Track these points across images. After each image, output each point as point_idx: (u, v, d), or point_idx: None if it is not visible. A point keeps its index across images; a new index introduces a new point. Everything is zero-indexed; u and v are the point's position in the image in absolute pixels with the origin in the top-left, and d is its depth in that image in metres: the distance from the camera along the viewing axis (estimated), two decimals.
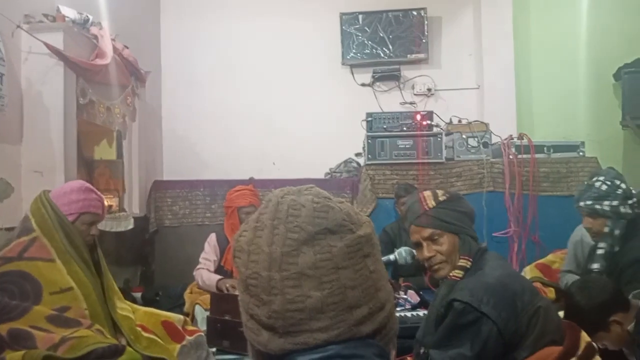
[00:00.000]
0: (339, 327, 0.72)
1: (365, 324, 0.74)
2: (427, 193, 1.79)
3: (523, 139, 4.13)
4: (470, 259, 1.71)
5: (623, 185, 2.43)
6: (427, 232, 1.75)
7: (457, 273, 1.71)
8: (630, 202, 2.41)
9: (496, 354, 1.57)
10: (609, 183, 2.43)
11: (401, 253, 2.02)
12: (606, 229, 2.42)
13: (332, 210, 0.76)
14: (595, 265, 2.44)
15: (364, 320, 0.74)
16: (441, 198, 1.77)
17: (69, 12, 3.36)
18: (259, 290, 0.74)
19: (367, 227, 0.79)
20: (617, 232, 2.41)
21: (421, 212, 1.76)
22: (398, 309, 2.60)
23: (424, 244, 1.76)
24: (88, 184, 2.29)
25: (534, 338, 1.58)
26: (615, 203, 2.40)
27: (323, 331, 0.72)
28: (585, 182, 2.54)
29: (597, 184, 2.45)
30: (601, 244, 2.45)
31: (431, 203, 1.75)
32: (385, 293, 0.78)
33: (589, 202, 2.45)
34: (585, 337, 1.60)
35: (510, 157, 4.07)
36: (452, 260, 1.73)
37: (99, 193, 2.30)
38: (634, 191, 2.46)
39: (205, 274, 3.46)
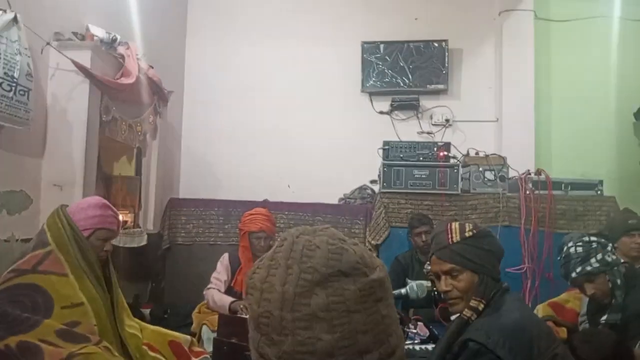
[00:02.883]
0: None
1: None
2: (455, 226, 1.75)
3: (541, 175, 4.11)
4: (484, 301, 1.67)
5: (593, 238, 2.44)
6: (447, 266, 1.72)
7: (468, 313, 1.67)
8: (609, 248, 2.41)
9: None
10: (580, 244, 2.42)
11: (413, 287, 2.00)
12: (610, 284, 2.39)
13: (347, 252, 0.76)
14: (604, 318, 2.40)
15: None
16: (467, 234, 1.72)
17: (98, 31, 3.45)
18: (270, 330, 0.74)
19: (381, 271, 0.79)
20: (619, 280, 2.39)
21: (445, 244, 1.73)
22: (407, 342, 2.57)
23: (443, 277, 1.75)
24: (105, 200, 2.32)
25: None
26: (599, 256, 2.38)
27: None
28: (560, 259, 2.51)
29: (572, 250, 2.43)
30: (614, 299, 2.40)
31: (456, 237, 1.72)
32: (396, 339, 0.78)
33: (578, 270, 2.41)
34: None
35: (527, 192, 4.04)
36: (467, 298, 1.70)
37: (114, 209, 2.32)
38: (602, 239, 2.45)
39: (217, 294, 3.45)
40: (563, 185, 4.11)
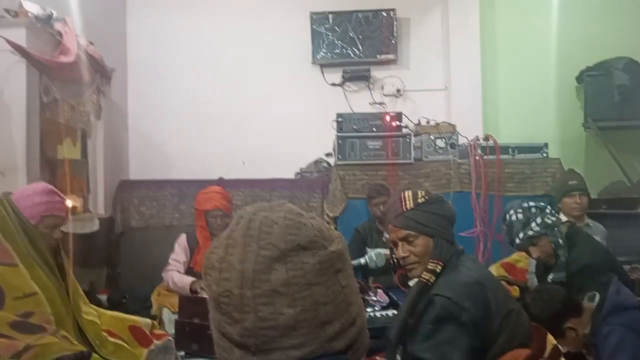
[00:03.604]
0: (311, 344, 0.73)
1: (337, 339, 0.75)
2: (408, 194, 1.82)
3: (489, 140, 4.22)
4: (441, 263, 1.74)
5: (532, 204, 2.55)
6: (403, 233, 1.78)
7: (427, 275, 1.73)
8: (547, 211, 2.53)
9: (475, 348, 1.60)
10: (520, 210, 2.53)
11: (372, 257, 2.04)
12: (552, 244, 2.51)
13: (304, 226, 0.77)
14: (550, 277, 2.52)
15: (336, 337, 0.75)
16: (420, 200, 1.78)
17: (32, 8, 3.26)
18: (231, 309, 0.74)
19: (339, 242, 0.79)
20: (561, 240, 2.51)
21: (399, 212, 1.79)
22: (368, 309, 2.62)
23: (399, 243, 1.80)
24: (51, 187, 2.24)
25: (504, 340, 1.62)
26: (539, 220, 2.50)
27: (296, 348, 0.73)
28: (504, 226, 2.61)
29: (513, 218, 2.54)
30: (558, 259, 2.53)
31: (409, 204, 1.78)
32: (356, 307, 0.79)
33: (521, 235, 2.51)
34: (551, 340, 1.65)
35: (477, 158, 4.15)
36: (424, 262, 1.76)
37: (62, 195, 2.24)
38: (541, 203, 2.58)
39: (177, 275, 3.41)
40: (510, 149, 4.24)
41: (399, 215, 1.79)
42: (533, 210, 2.51)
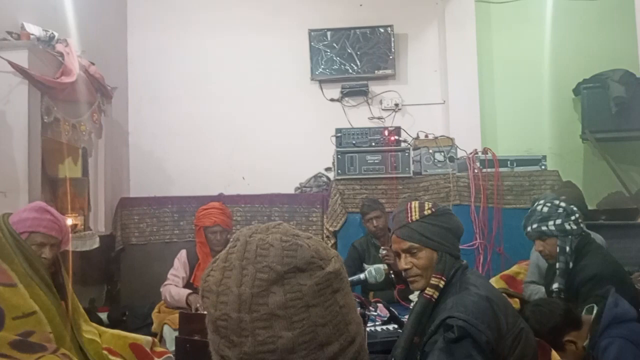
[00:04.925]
0: None
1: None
2: (414, 204, 1.77)
3: (487, 154, 4.25)
4: (444, 278, 1.70)
5: (563, 204, 2.56)
6: (406, 244, 1.74)
7: (430, 291, 1.69)
8: (573, 218, 2.52)
9: None
10: (549, 205, 2.55)
11: (371, 272, 2.03)
12: (558, 248, 2.52)
13: (301, 248, 0.76)
14: (555, 285, 2.53)
15: (336, 357, 0.74)
16: (427, 212, 1.74)
17: (34, 29, 3.31)
18: (229, 332, 0.74)
19: (336, 262, 0.79)
20: (568, 248, 2.52)
21: (404, 223, 1.74)
22: (369, 324, 2.62)
23: (403, 255, 1.76)
24: (45, 205, 2.25)
25: (515, 359, 1.58)
26: (559, 221, 2.51)
27: None
28: (529, 209, 2.65)
29: (539, 207, 2.57)
30: (558, 263, 2.54)
31: (415, 216, 1.73)
32: (355, 326, 0.79)
33: (534, 226, 2.56)
34: (556, 357, 1.64)
35: (475, 171, 4.17)
36: (427, 275, 1.72)
37: (57, 215, 2.24)
38: (574, 208, 2.57)
39: (174, 289, 3.41)
40: (509, 162, 4.26)
41: (403, 226, 1.74)
42: (560, 210, 2.52)
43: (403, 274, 1.79)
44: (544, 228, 2.53)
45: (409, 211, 1.75)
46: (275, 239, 0.77)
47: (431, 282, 1.70)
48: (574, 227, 2.52)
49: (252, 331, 0.72)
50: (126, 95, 5.20)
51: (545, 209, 2.54)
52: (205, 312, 2.46)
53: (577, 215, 2.54)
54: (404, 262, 1.76)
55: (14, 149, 3.08)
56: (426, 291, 1.70)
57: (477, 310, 1.58)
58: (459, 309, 1.58)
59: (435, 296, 1.69)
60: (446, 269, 1.70)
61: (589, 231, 2.64)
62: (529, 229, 2.58)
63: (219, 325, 0.75)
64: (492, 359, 1.54)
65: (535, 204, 2.60)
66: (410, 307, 3.27)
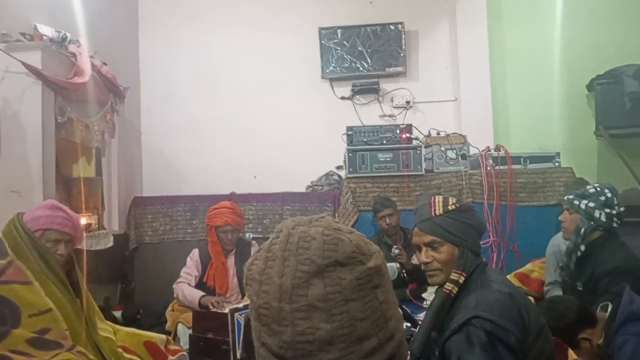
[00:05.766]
0: (348, 358, 0.74)
1: (375, 355, 0.75)
2: (438, 199, 1.76)
3: (500, 151, 4.21)
4: (464, 274, 1.69)
5: (609, 195, 2.55)
6: (428, 238, 1.73)
7: (449, 286, 1.69)
8: (607, 210, 2.50)
9: None
10: (598, 189, 2.58)
11: None
12: (576, 227, 2.55)
13: (342, 242, 0.77)
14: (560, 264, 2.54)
15: (374, 352, 0.75)
16: (450, 207, 1.73)
17: (47, 31, 3.34)
18: (270, 320, 0.76)
19: (377, 257, 0.80)
20: (582, 230, 2.52)
21: (427, 217, 1.74)
22: None
23: (424, 248, 1.76)
24: (57, 203, 2.28)
25: (534, 355, 1.57)
26: (591, 205, 2.53)
27: None
28: (590, 186, 2.69)
29: (589, 186, 2.63)
30: (569, 242, 2.61)
31: (439, 210, 1.73)
32: (394, 322, 0.79)
33: (571, 196, 2.61)
34: (572, 355, 1.63)
35: (488, 168, 4.14)
36: (447, 270, 1.72)
37: (69, 212, 2.27)
38: (621, 208, 2.55)
39: (187, 288, 3.43)
40: (522, 159, 4.22)
41: (426, 220, 1.74)
42: (601, 197, 2.54)
43: (422, 267, 1.79)
44: (576, 202, 2.57)
45: (432, 205, 1.75)
46: (317, 232, 0.78)
47: (451, 277, 1.69)
48: (603, 219, 2.51)
49: (291, 321, 0.74)
50: (138, 95, 5.24)
51: (592, 190, 2.57)
52: (219, 311, 2.47)
53: (613, 211, 2.53)
54: (424, 256, 1.76)
55: (28, 149, 3.11)
56: (445, 286, 1.70)
57: (502, 308, 1.56)
58: (483, 307, 1.57)
59: (454, 291, 1.68)
60: (467, 265, 1.70)
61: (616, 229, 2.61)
62: (565, 197, 2.65)
63: (261, 313, 0.77)
64: (519, 356, 1.53)
65: (601, 186, 2.62)
66: (423, 306, 3.27)
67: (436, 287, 1.80)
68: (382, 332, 0.76)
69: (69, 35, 3.49)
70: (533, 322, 1.60)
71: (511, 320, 1.55)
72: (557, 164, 4.24)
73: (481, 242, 4.10)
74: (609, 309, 2.09)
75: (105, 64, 3.93)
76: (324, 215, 0.83)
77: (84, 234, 2.43)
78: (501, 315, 1.54)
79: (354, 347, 0.74)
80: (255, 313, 0.78)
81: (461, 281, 1.68)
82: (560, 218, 2.69)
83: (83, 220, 2.53)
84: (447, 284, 1.69)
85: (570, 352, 1.66)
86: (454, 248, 1.72)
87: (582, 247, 2.54)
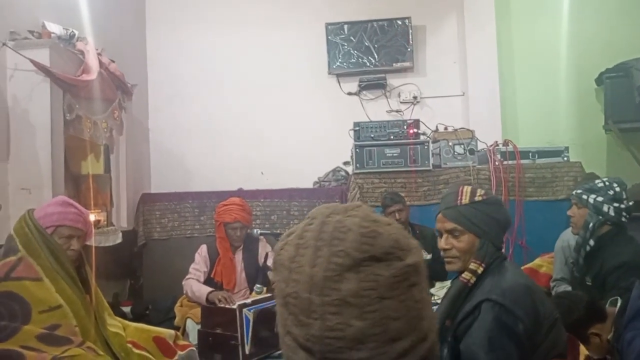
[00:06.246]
0: (379, 359, 0.70)
1: (406, 357, 0.71)
2: (467, 188, 1.75)
3: (508, 145, 4.19)
4: (483, 265, 1.69)
5: (618, 189, 2.52)
6: (450, 225, 1.73)
7: (467, 276, 1.69)
8: (615, 204, 2.48)
9: (523, 355, 1.54)
10: (607, 183, 2.55)
11: None
12: (584, 222, 2.53)
13: (380, 236, 0.72)
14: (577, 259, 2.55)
15: (405, 354, 0.71)
16: (477, 198, 1.72)
17: (55, 28, 3.36)
18: (298, 311, 0.72)
19: (416, 254, 0.75)
20: (591, 225, 2.50)
21: (453, 205, 1.74)
22: None
23: (445, 235, 1.76)
24: (68, 199, 2.30)
25: (546, 348, 1.57)
26: (600, 199, 2.50)
27: None
28: (599, 180, 2.67)
29: (597, 180, 2.60)
30: (577, 237, 2.59)
31: (465, 199, 1.72)
32: (428, 322, 0.75)
33: (579, 191, 2.59)
34: (584, 351, 1.62)
35: (496, 163, 4.12)
36: (464, 259, 1.72)
37: (80, 208, 2.28)
38: (629, 203, 2.53)
39: (195, 284, 3.45)
40: (530, 154, 4.20)
41: (451, 207, 1.74)
42: (610, 191, 2.51)
43: (441, 253, 1.79)
44: (584, 197, 2.55)
45: (460, 194, 1.74)
46: (354, 223, 0.73)
47: (470, 267, 1.70)
48: (611, 213, 2.48)
49: (321, 315, 0.70)
50: (146, 92, 5.26)
51: (600, 184, 2.55)
52: (227, 307, 2.48)
53: (622, 205, 2.50)
54: (444, 242, 1.76)
55: (37, 146, 3.14)
56: (464, 275, 1.70)
57: (515, 295, 1.57)
58: (496, 291, 1.58)
59: (472, 281, 1.68)
60: (487, 257, 1.69)
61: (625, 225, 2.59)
62: (574, 191, 2.64)
63: (289, 302, 0.73)
64: (528, 345, 1.54)
65: (610, 180, 2.60)
66: (432, 301, 3.27)
67: (445, 281, 1.80)
68: (416, 332, 0.72)
69: (76, 32, 3.52)
70: (547, 314, 1.60)
71: (523, 308, 1.54)
72: (565, 158, 4.22)
73: None
74: (619, 304, 2.07)
75: (113, 62, 3.94)
76: (360, 204, 0.79)
77: (93, 229, 2.45)
78: (513, 301, 1.55)
79: (385, 348, 0.70)
80: (283, 300, 0.74)
81: (479, 272, 1.68)
82: (569, 213, 2.68)
83: (92, 217, 2.54)
84: (466, 273, 1.70)
85: (582, 348, 1.64)
86: (475, 239, 1.71)
87: (591, 242, 2.52)
